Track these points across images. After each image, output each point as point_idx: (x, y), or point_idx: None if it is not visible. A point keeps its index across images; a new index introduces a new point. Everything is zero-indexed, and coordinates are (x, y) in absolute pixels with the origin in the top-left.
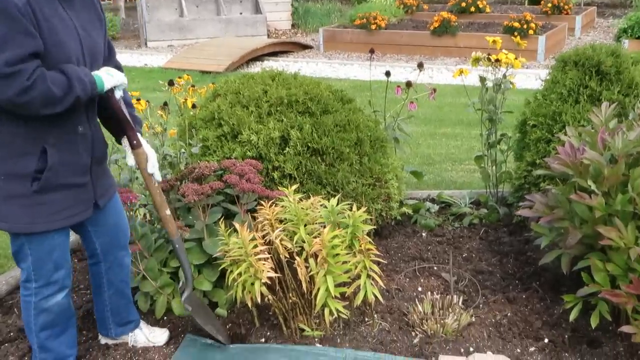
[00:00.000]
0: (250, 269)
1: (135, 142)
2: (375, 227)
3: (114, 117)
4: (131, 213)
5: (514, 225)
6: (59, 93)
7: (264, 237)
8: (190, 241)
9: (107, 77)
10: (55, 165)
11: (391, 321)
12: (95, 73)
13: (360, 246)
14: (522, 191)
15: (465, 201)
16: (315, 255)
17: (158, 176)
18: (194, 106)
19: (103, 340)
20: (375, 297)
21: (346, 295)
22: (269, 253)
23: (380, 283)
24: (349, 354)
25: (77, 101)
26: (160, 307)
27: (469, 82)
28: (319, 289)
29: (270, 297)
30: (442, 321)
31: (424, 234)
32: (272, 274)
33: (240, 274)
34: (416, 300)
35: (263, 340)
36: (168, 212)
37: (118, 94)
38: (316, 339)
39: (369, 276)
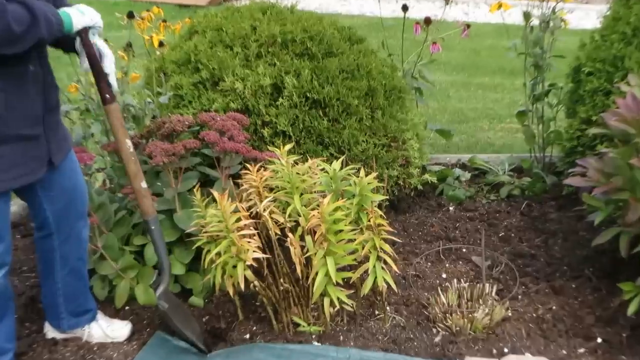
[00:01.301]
0: (232, 248)
1: (108, 96)
2: (389, 198)
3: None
4: (86, 178)
5: (564, 198)
6: (19, 30)
7: (249, 209)
8: (159, 213)
9: (77, 16)
10: (1, 111)
11: (407, 315)
12: (63, 10)
13: (369, 221)
14: (574, 155)
15: (504, 168)
16: (313, 232)
17: (114, 81)
18: (161, 44)
19: (50, 334)
20: (388, 284)
21: (351, 282)
22: (256, 229)
23: (394, 268)
24: (353, 354)
25: (40, 42)
26: (121, 294)
27: (512, 19)
28: (317, 274)
29: (256, 283)
30: (470, 315)
31: (451, 208)
32: (259, 255)
33: (219, 255)
34: (439, 289)
35: (247, 336)
36: (144, 184)
37: (93, 37)
38: (314, 336)
39: (379, 259)
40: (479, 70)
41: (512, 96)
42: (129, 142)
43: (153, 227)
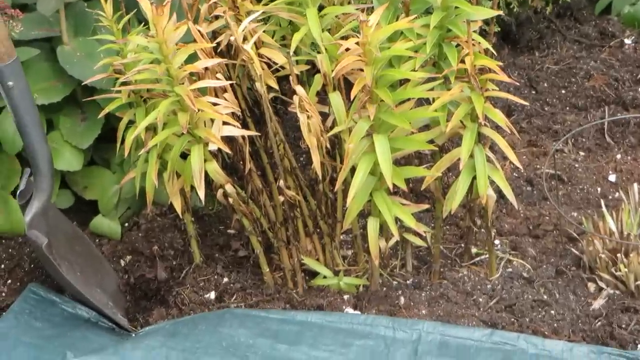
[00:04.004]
0: (181, 115)
1: None
2: (502, 17)
3: None
4: None
5: None
6: None
7: (214, 36)
8: (29, 45)
9: None
10: None
11: (536, 255)
12: None
13: (463, 62)
14: None
15: None
16: (346, 86)
17: None
18: None
19: None
20: (498, 194)
21: (423, 188)
22: (228, 77)
23: (512, 159)
24: (427, 333)
25: None
26: None
27: None
28: (353, 172)
29: (229, 189)
30: None
31: (627, 41)
32: (236, 130)
33: (153, 130)
34: (602, 204)
35: (212, 294)
36: None
37: None
38: (346, 297)
39: (482, 139)
40: None
41: None
42: None
43: (11, 83)
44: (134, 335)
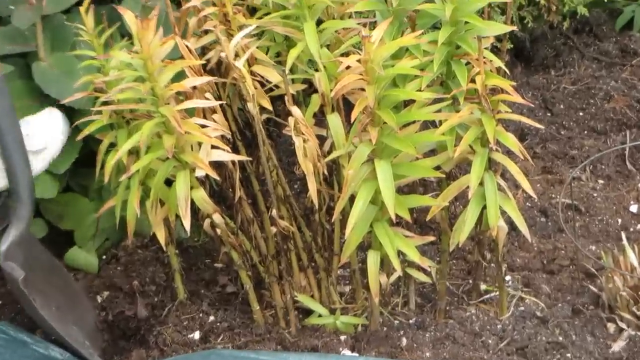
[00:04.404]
0: (166, 138)
1: None
2: (516, 33)
3: None
4: None
5: None
6: None
7: (203, 53)
8: (2, 61)
9: None
10: None
11: (551, 293)
12: None
13: (474, 82)
14: None
15: None
16: (345, 107)
17: None
18: None
19: None
20: (510, 225)
21: (428, 219)
22: (218, 97)
23: (525, 187)
24: None
25: None
26: None
27: None
28: (353, 201)
29: (217, 218)
30: None
31: None
32: (226, 155)
33: (135, 154)
34: (623, 237)
35: (196, 335)
36: None
37: None
38: (342, 337)
39: (492, 166)
40: None
41: None
42: None
43: None
44: None
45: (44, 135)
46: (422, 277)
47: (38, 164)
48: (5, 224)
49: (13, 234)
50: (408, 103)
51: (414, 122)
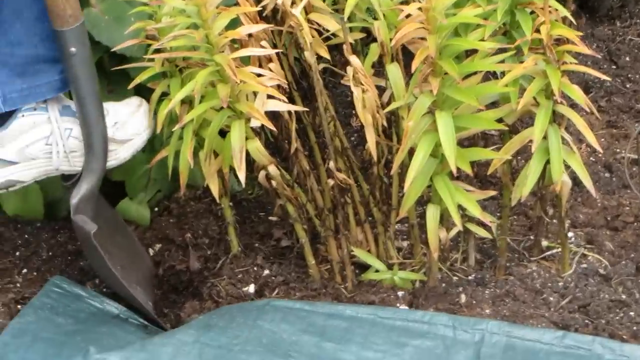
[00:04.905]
0: (221, 87)
1: None
2: None
3: None
4: None
5: None
6: None
7: (259, 1)
8: None
9: None
10: None
11: (614, 250)
12: None
13: (538, 31)
14: None
15: None
16: (405, 55)
17: None
18: None
19: None
20: (574, 180)
21: (489, 172)
22: (274, 46)
23: (591, 141)
24: (491, 334)
25: None
26: None
27: None
28: (412, 153)
29: (273, 170)
30: None
31: None
32: (282, 105)
33: (189, 103)
34: None
35: (251, 288)
36: None
37: None
38: (400, 293)
39: (557, 119)
40: None
41: None
42: None
43: (74, 49)
44: (166, 333)
45: (132, 127)
46: (482, 232)
47: (122, 153)
48: (77, 177)
49: (84, 187)
50: (470, 53)
51: (476, 73)
